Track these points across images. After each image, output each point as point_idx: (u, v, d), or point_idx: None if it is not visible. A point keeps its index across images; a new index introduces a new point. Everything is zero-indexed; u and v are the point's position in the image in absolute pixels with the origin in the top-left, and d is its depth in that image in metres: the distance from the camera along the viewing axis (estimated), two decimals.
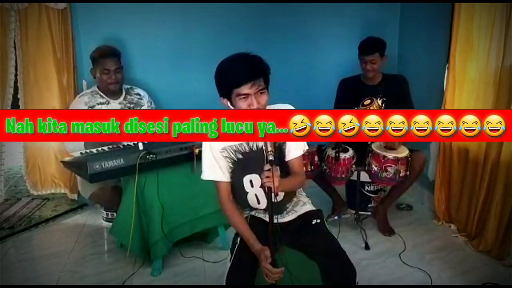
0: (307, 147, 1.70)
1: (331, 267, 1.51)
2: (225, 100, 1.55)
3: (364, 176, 2.66)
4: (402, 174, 2.52)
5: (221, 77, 1.53)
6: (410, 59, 3.28)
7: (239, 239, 1.63)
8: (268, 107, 1.57)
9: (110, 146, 2.36)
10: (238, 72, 1.47)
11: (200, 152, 2.29)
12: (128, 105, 2.74)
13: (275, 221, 1.48)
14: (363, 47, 2.66)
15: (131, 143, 2.40)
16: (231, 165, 1.64)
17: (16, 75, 2.92)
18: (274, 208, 1.49)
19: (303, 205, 1.76)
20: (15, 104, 2.99)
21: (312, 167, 2.59)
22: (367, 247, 2.53)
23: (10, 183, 3.81)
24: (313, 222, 1.68)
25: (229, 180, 1.66)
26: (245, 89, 1.47)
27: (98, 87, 2.70)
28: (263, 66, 1.52)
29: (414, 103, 2.72)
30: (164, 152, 2.26)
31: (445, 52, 2.70)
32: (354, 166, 2.61)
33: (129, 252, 2.25)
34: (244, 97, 1.49)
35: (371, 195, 2.77)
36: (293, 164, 1.66)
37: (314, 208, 1.77)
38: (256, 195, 1.66)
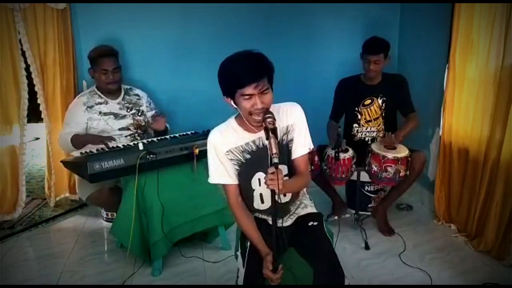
0: (312, 146, 1.67)
1: (319, 268, 1.50)
2: (229, 99, 1.53)
3: (364, 176, 2.66)
4: (402, 174, 2.52)
5: (225, 77, 1.50)
6: (410, 59, 3.28)
7: (248, 243, 1.62)
8: (273, 106, 1.55)
9: (111, 146, 2.36)
10: (242, 73, 1.44)
11: (200, 152, 2.31)
12: (127, 105, 2.73)
13: (278, 225, 1.47)
14: (369, 47, 2.61)
15: (131, 143, 2.40)
16: (238, 167, 1.62)
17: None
18: (278, 210, 1.47)
19: (304, 208, 1.76)
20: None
21: (312, 167, 2.58)
22: (367, 247, 2.52)
23: None
24: (309, 224, 1.68)
25: (236, 182, 1.64)
26: (248, 89, 1.44)
27: (97, 87, 2.70)
28: (266, 65, 1.48)
29: (414, 103, 2.73)
30: (164, 152, 2.26)
31: (445, 52, 2.70)
32: (354, 166, 2.61)
33: (129, 252, 2.25)
34: (248, 98, 1.46)
35: (371, 195, 2.78)
36: (298, 162, 1.64)
37: (315, 211, 1.76)
38: (261, 194, 1.65)
